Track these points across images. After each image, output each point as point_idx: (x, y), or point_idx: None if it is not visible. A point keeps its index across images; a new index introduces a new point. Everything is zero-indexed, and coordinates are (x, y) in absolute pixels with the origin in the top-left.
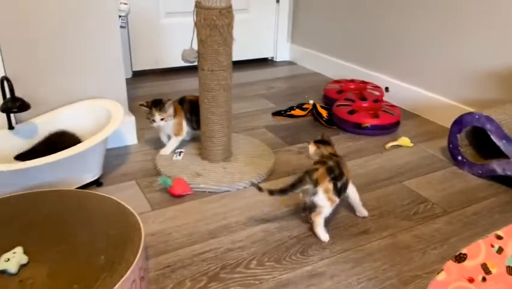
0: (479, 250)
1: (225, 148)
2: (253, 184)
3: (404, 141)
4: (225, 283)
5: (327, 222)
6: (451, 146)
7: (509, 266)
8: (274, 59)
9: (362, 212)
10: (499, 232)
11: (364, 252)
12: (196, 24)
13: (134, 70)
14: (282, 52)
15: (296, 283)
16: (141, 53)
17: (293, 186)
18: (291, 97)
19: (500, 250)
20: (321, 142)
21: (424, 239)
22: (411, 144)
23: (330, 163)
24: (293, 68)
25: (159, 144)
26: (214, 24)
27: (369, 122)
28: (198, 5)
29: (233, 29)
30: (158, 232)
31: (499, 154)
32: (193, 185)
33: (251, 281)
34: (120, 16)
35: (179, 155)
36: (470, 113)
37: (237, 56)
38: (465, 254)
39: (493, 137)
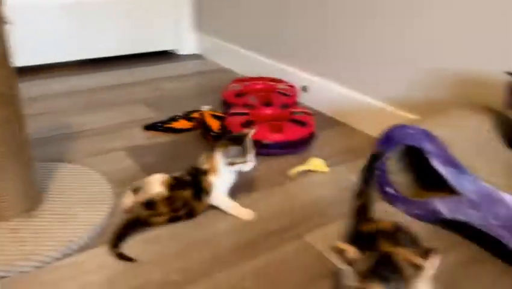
0: None
1: (20, 195)
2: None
3: (316, 164)
4: None
5: None
6: (377, 172)
7: None
8: (178, 52)
9: None
10: None
11: None
12: None
13: None
14: (188, 43)
15: None
16: None
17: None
18: (184, 103)
19: None
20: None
21: None
22: (326, 169)
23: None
24: (199, 64)
25: None
26: None
27: (271, 138)
28: None
29: None
30: None
31: (444, 185)
32: None
33: None
34: None
35: None
36: (401, 126)
37: (124, 49)
38: None
39: (434, 162)
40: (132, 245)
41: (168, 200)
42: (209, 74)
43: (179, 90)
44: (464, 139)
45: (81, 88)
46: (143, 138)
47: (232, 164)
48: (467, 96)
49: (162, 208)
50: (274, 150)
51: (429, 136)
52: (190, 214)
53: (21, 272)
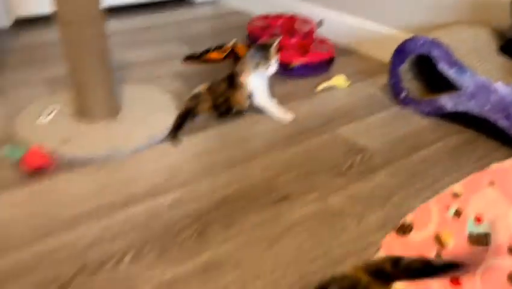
0: (429, 216)
1: (106, 103)
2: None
3: (338, 80)
4: None
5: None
6: (393, 81)
7: (471, 234)
8: (194, 1)
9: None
10: (456, 188)
11: (282, 226)
12: None
13: (16, 16)
14: None
15: (186, 280)
16: None
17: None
18: (212, 39)
19: (457, 213)
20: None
21: (361, 199)
22: (347, 84)
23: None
24: (215, 8)
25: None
26: None
27: (298, 61)
28: None
29: None
30: None
31: (447, 88)
32: (58, 154)
33: (120, 285)
34: None
35: (48, 116)
36: (412, 38)
37: None
38: (410, 224)
39: (440, 66)
40: (188, 140)
41: (209, 90)
42: (228, 16)
43: (203, 28)
44: (465, 46)
45: (121, 29)
46: (184, 67)
47: (258, 64)
48: (476, 21)
49: (205, 96)
50: (300, 72)
51: (436, 44)
52: (227, 103)
53: (119, 157)
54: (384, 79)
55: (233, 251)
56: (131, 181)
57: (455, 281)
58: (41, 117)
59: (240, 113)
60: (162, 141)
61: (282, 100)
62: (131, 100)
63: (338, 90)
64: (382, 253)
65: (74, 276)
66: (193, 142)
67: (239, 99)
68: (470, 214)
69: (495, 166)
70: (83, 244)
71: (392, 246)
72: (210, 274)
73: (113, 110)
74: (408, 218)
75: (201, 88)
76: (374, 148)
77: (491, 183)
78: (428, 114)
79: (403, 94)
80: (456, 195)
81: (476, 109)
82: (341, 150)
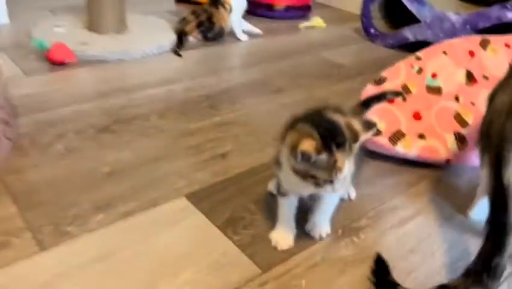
0: (398, 72)
1: (117, 17)
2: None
3: (317, 21)
4: (118, 134)
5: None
6: (364, 19)
7: (428, 85)
8: None
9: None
10: (418, 53)
11: (277, 104)
12: None
13: None
14: None
15: (205, 130)
16: None
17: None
18: None
19: (419, 71)
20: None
21: (340, 94)
22: (324, 25)
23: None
24: None
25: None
26: None
27: (282, 3)
28: None
29: None
30: (33, 94)
31: (411, 22)
32: (78, 53)
33: (151, 131)
34: None
35: (62, 28)
36: None
37: None
38: (384, 77)
39: (404, 1)
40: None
41: (194, 12)
42: None
43: None
44: None
45: None
46: (178, 6)
47: None
48: None
49: (189, 17)
50: (282, 14)
51: None
52: (210, 21)
53: (134, 58)
54: (356, 24)
55: (239, 116)
56: (146, 74)
57: (417, 116)
58: (56, 28)
59: (222, 34)
60: (167, 52)
61: (269, 34)
62: (134, 22)
63: (317, 30)
64: (362, 97)
65: (109, 125)
66: (194, 55)
67: (222, 16)
68: (428, 72)
69: (446, 42)
70: (113, 107)
71: (368, 92)
72: (224, 127)
73: (122, 26)
74: (383, 74)
75: (187, 12)
76: (350, 65)
77: (444, 52)
78: (393, 46)
79: (372, 30)
80: (418, 58)
81: (432, 37)
82: (323, 65)
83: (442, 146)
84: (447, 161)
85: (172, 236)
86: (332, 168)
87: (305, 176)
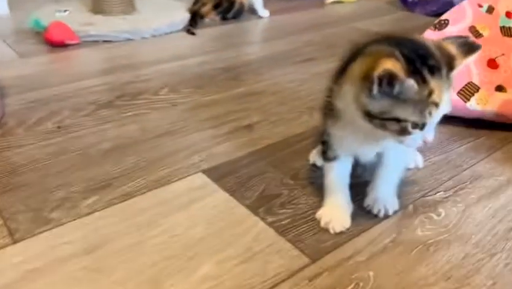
0: (463, 13)
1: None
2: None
3: None
4: (122, 109)
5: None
6: None
7: (503, 26)
8: None
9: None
10: None
11: (310, 73)
12: None
13: None
14: None
15: (222, 102)
16: None
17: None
18: None
19: (490, 10)
20: None
21: None
22: (354, 0)
23: None
24: None
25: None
26: None
27: None
28: None
29: None
30: (26, 75)
31: None
32: (81, 34)
33: (161, 104)
34: None
35: (64, 12)
36: None
37: None
38: (446, 19)
39: None
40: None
41: None
42: None
43: None
44: None
45: None
46: None
47: None
48: None
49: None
50: None
51: None
52: (230, 1)
53: (143, 38)
54: None
55: (268, 85)
56: (157, 51)
57: (492, 64)
58: (58, 13)
59: (242, 11)
60: (179, 31)
61: (292, 10)
62: (144, 4)
63: (345, 4)
64: None
65: (112, 100)
66: (209, 32)
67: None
68: (501, 10)
69: None
70: (118, 83)
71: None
72: (249, 98)
73: (130, 8)
74: (444, 16)
75: None
76: (388, 32)
77: None
78: (435, 13)
79: None
80: None
81: None
82: (357, 34)
83: None
84: None
85: (186, 220)
86: (426, 103)
87: (383, 120)
